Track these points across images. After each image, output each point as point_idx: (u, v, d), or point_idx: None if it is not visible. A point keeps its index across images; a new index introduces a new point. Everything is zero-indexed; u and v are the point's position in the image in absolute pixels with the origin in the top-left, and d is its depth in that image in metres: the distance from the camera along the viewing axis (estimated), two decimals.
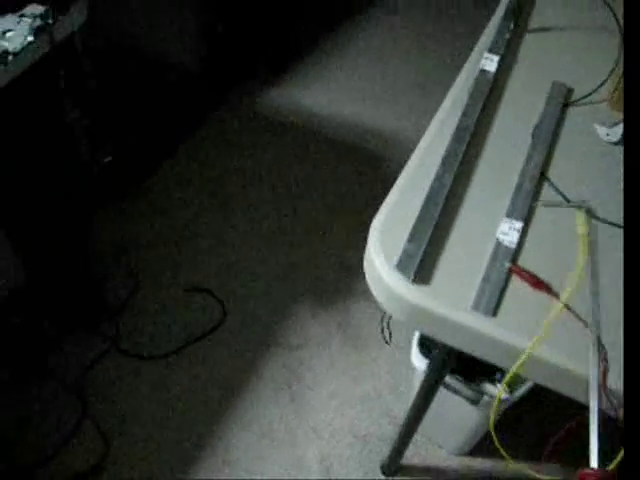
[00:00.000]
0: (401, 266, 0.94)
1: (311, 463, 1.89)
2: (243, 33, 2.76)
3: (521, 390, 1.57)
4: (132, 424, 1.93)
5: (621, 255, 0.98)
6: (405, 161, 1.11)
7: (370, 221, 1.01)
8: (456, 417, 1.71)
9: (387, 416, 2.00)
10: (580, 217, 1.00)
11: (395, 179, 1.08)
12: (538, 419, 1.93)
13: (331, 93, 2.94)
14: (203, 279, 2.24)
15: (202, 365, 2.05)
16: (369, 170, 2.56)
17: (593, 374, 0.84)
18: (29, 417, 1.91)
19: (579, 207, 1.00)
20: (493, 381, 1.59)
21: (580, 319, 0.91)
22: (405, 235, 0.97)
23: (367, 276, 1.00)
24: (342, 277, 2.27)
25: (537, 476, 0.94)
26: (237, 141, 2.69)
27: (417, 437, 1.92)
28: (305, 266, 2.30)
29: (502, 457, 1.89)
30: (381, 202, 1.05)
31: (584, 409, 0.87)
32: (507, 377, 0.90)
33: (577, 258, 0.96)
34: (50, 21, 1.36)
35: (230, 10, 2.61)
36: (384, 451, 1.88)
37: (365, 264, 1.00)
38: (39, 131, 1.59)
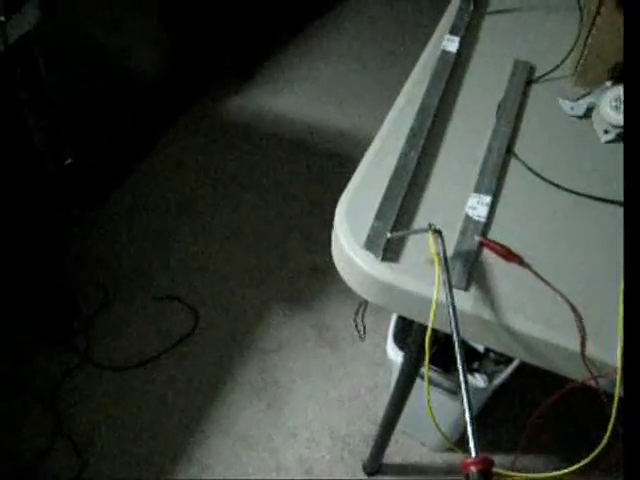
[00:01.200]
0: (369, 244, 0.92)
1: (291, 466, 1.85)
2: (208, 39, 2.74)
3: (500, 378, 1.55)
4: (108, 436, 1.89)
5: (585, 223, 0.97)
6: None
7: None
8: (435, 411, 1.68)
9: (366, 415, 1.97)
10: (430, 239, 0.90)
11: None
12: (523, 408, 1.91)
13: (298, 97, 2.93)
14: (175, 287, 2.20)
15: (177, 373, 2.02)
16: (339, 171, 2.55)
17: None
18: (1, 433, 1.86)
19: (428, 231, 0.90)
20: (471, 371, 1.58)
21: (554, 289, 0.89)
22: (372, 214, 0.95)
23: (335, 258, 0.98)
24: (315, 279, 2.24)
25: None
26: (205, 148, 2.67)
27: (398, 435, 1.89)
28: (277, 269, 2.27)
29: (486, 450, 1.87)
30: None
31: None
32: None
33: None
34: (2, 18, 1.33)
35: (193, 16, 2.59)
36: (365, 451, 1.85)
37: (332, 246, 0.98)
38: None
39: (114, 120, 2.27)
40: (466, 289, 0.90)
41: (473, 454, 0.71)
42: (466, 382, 0.77)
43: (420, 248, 0.93)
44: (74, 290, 2.14)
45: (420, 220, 0.97)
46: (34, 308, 2.02)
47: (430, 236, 0.89)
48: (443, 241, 0.88)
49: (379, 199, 0.97)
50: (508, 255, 0.93)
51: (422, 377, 1.56)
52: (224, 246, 2.33)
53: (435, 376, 1.56)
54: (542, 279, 0.91)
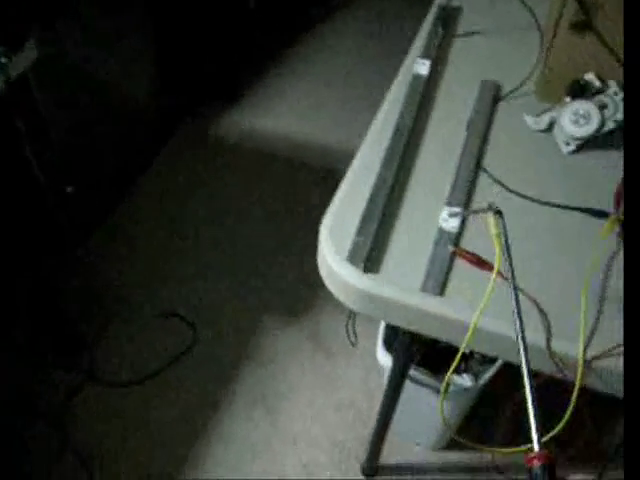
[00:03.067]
0: (351, 258, 1.01)
1: (292, 472, 1.93)
2: (194, 62, 2.83)
3: (485, 377, 1.64)
4: (114, 452, 1.96)
5: (550, 228, 1.06)
6: None
7: None
8: (427, 411, 1.77)
9: (362, 421, 2.05)
10: (491, 220, 0.91)
11: None
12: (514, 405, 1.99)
13: (286, 115, 3.02)
14: (173, 304, 2.28)
15: (178, 388, 2.09)
16: (329, 186, 2.63)
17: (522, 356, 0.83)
18: (9, 453, 1.93)
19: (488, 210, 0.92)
20: (458, 371, 1.66)
21: (522, 291, 0.97)
22: (354, 229, 1.04)
23: (321, 272, 1.06)
24: (307, 290, 2.33)
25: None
26: (196, 169, 2.75)
27: (393, 437, 1.97)
28: (271, 282, 2.35)
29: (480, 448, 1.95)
30: None
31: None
32: (459, 354, 0.96)
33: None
34: (3, 60, 1.42)
35: (182, 38, 2.68)
36: (362, 454, 1.93)
37: (319, 261, 1.07)
38: None
39: (109, 147, 2.35)
40: (441, 294, 0.99)
41: (536, 448, 0.73)
42: (532, 385, 0.79)
43: (398, 259, 1.02)
44: (75, 311, 2.22)
45: (398, 233, 1.06)
46: (38, 330, 2.09)
47: (491, 217, 0.89)
48: (504, 222, 0.88)
49: (359, 216, 1.06)
50: (479, 262, 1.02)
51: (411, 379, 1.65)
52: (218, 262, 2.41)
53: (424, 377, 1.64)
54: (511, 283, 1.00)
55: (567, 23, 1.17)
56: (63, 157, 1.88)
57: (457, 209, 1.08)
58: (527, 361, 0.80)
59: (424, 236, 1.05)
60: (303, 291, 2.33)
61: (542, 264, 1.03)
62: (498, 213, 0.89)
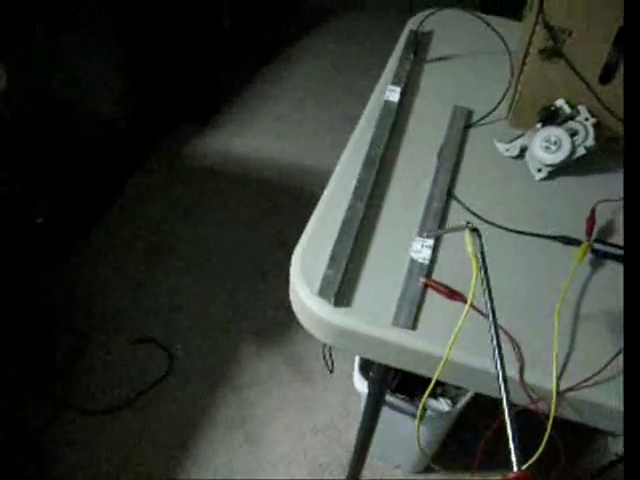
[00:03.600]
0: (322, 291, 0.99)
1: None
2: (168, 83, 2.81)
3: (462, 401, 1.63)
4: (90, 478, 1.93)
5: (523, 258, 1.06)
6: None
7: None
8: (405, 435, 1.76)
9: (341, 444, 2.04)
10: (467, 238, 0.87)
11: None
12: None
13: (261, 136, 3.01)
14: (149, 328, 2.26)
15: (155, 414, 2.07)
16: (304, 208, 2.62)
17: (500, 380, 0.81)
18: None
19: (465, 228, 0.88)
20: (435, 395, 1.65)
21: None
22: (325, 262, 1.03)
23: (293, 305, 1.05)
24: (284, 313, 2.32)
25: None
26: (171, 191, 2.74)
27: (373, 460, 1.96)
28: (247, 306, 2.34)
29: (460, 469, 1.95)
30: None
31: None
32: (429, 387, 0.95)
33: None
34: None
35: (154, 59, 2.67)
36: (342, 476, 1.92)
37: (290, 294, 1.05)
38: None
39: (82, 172, 2.33)
40: (414, 328, 0.98)
41: (515, 469, 0.73)
42: (510, 409, 0.78)
43: (370, 291, 1.01)
44: (50, 337, 2.19)
45: (370, 265, 1.05)
46: (14, 357, 2.06)
47: (467, 235, 0.86)
48: (481, 239, 0.85)
49: (330, 248, 1.05)
50: (451, 294, 1.01)
51: (388, 405, 1.64)
52: (195, 285, 2.40)
53: (399, 402, 1.63)
54: (482, 314, 0.99)
55: (537, 49, 1.17)
56: (35, 187, 1.86)
57: (431, 232, 1.07)
58: (506, 390, 0.79)
59: (396, 268, 1.04)
60: (279, 315, 2.32)
61: (514, 293, 1.02)
62: (474, 231, 0.87)
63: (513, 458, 0.74)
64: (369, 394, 1.44)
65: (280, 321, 2.31)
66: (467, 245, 0.85)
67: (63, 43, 2.02)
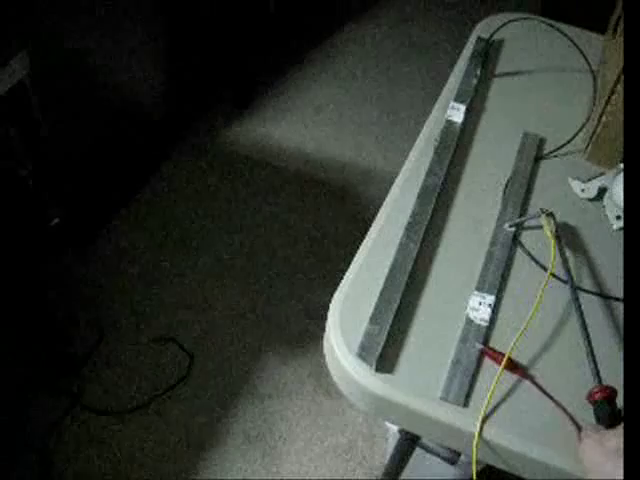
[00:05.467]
0: (363, 353, 0.86)
1: None
2: (204, 68, 2.67)
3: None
4: None
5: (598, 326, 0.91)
6: (376, 198, 1.03)
7: (341, 264, 0.94)
8: (434, 475, 1.63)
9: (362, 466, 1.92)
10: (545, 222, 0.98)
11: (365, 218, 1.01)
12: None
13: (299, 127, 2.85)
14: (169, 328, 2.14)
15: (170, 419, 1.96)
16: (339, 208, 2.48)
17: None
18: None
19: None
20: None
21: (559, 405, 0.82)
22: (367, 315, 0.89)
23: (328, 362, 0.91)
24: (311, 323, 2.18)
25: None
26: (202, 181, 2.60)
27: None
28: (274, 312, 2.21)
29: None
30: (352, 245, 0.99)
31: None
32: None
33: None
34: None
35: (190, 45, 2.52)
36: None
37: (325, 347, 0.92)
38: None
39: (111, 153, 2.20)
40: (465, 405, 0.84)
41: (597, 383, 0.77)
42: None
43: (417, 356, 0.87)
44: (66, 330, 2.08)
45: (418, 323, 0.90)
46: (28, 352, 1.96)
47: (544, 219, 0.97)
48: (555, 221, 0.98)
49: (375, 299, 0.90)
50: (511, 366, 0.87)
51: (420, 445, 1.50)
52: (220, 285, 2.26)
53: (432, 444, 1.49)
54: (546, 393, 0.85)
55: None
56: (54, 183, 1.74)
57: (489, 297, 0.92)
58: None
59: (449, 328, 0.90)
60: (307, 324, 2.18)
61: (582, 371, 0.85)
62: (550, 215, 0.98)
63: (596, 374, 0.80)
64: (399, 442, 1.30)
65: (310, 330, 2.17)
66: (545, 230, 0.96)
67: (94, 22, 1.89)
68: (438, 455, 1.50)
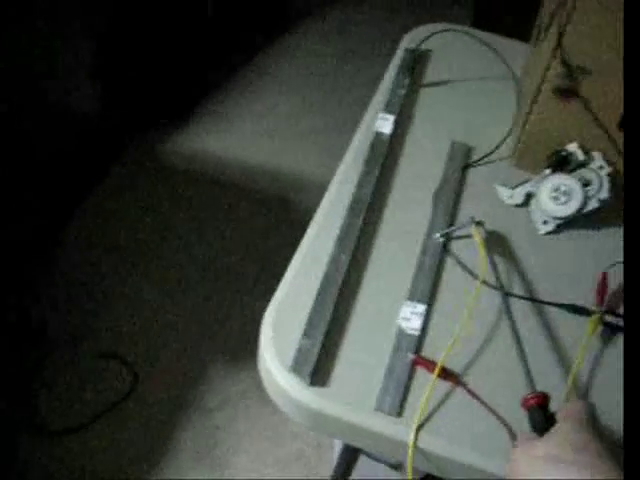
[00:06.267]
0: (296, 367, 0.86)
1: None
2: (142, 79, 2.64)
3: None
4: None
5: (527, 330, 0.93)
6: (313, 205, 1.04)
7: (283, 272, 0.96)
8: None
9: (312, 474, 1.92)
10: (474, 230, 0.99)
11: (305, 224, 1.01)
12: None
13: (238, 136, 2.84)
14: (114, 344, 2.11)
15: (117, 435, 1.94)
16: (280, 215, 2.48)
17: None
18: None
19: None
20: None
21: (492, 411, 0.84)
22: (300, 329, 0.89)
23: (262, 377, 0.91)
24: (256, 333, 2.17)
25: None
26: (142, 195, 2.57)
27: None
28: (218, 323, 2.20)
29: None
30: (292, 251, 0.99)
31: None
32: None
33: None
34: None
35: (126, 56, 2.50)
36: None
37: (259, 363, 0.92)
38: None
39: (44, 173, 2.17)
40: (399, 415, 0.85)
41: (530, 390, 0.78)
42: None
43: (351, 368, 0.88)
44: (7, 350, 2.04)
45: (350, 337, 0.91)
46: None
47: (473, 228, 0.98)
48: (484, 229, 1.01)
49: (307, 313, 0.91)
50: (444, 374, 0.88)
51: (364, 453, 1.51)
52: (164, 301, 2.24)
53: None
54: (480, 400, 0.86)
55: (550, 87, 1.03)
56: None
57: (420, 306, 0.94)
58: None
59: (381, 339, 0.91)
60: (253, 333, 2.17)
61: (515, 375, 0.87)
62: (479, 223, 0.99)
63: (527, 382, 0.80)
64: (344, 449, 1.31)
65: (253, 341, 2.15)
66: (474, 237, 0.97)
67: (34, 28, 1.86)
68: (382, 461, 1.52)
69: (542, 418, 0.74)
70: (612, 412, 0.82)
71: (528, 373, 0.81)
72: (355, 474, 1.50)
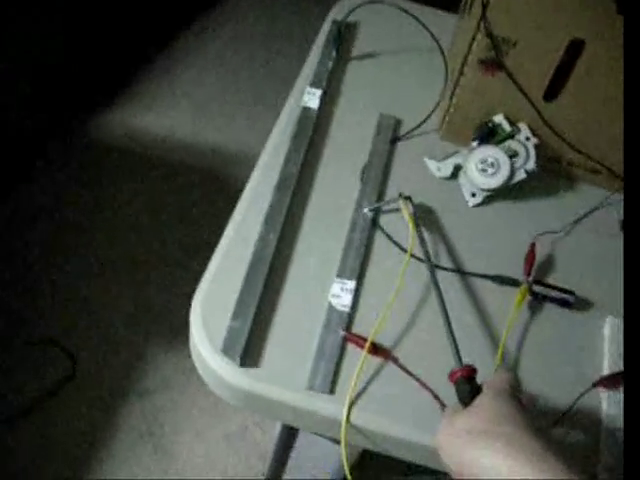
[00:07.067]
0: (227, 349, 0.85)
1: None
2: (70, 59, 2.57)
3: None
4: None
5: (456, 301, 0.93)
6: (246, 178, 1.02)
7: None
8: (322, 454, 1.65)
9: (255, 451, 1.93)
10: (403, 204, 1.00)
11: (238, 198, 1.00)
12: None
13: (168, 113, 2.79)
14: (50, 330, 2.07)
15: (56, 422, 1.91)
16: (215, 191, 2.46)
17: None
18: None
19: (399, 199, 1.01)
20: None
21: (424, 385, 0.85)
22: (229, 310, 0.88)
23: (194, 359, 0.90)
24: None
25: None
26: (75, 175, 2.51)
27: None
28: (157, 304, 2.17)
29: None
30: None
31: None
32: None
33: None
34: None
35: (49, 36, 2.43)
36: None
37: (190, 347, 0.90)
38: None
39: None
40: (332, 392, 0.85)
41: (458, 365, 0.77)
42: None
43: (282, 347, 0.87)
44: None
45: (281, 316, 0.90)
46: None
47: (401, 203, 0.99)
48: (413, 203, 1.00)
49: (236, 293, 0.90)
50: (375, 350, 0.88)
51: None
52: (99, 282, 2.20)
53: None
54: (411, 374, 0.87)
55: (476, 59, 1.03)
56: None
57: (350, 282, 0.93)
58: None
59: (312, 317, 0.90)
60: (188, 314, 2.15)
61: (445, 348, 0.87)
62: (408, 198, 1.00)
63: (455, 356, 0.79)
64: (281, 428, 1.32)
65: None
66: (403, 211, 0.98)
67: None
68: (322, 436, 1.52)
69: (467, 391, 0.73)
70: (538, 382, 0.84)
71: (455, 346, 0.80)
72: (297, 448, 1.51)
